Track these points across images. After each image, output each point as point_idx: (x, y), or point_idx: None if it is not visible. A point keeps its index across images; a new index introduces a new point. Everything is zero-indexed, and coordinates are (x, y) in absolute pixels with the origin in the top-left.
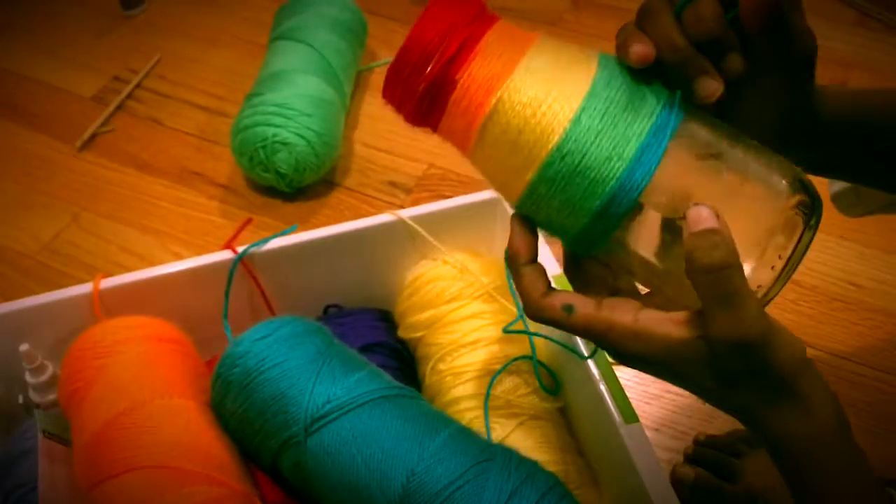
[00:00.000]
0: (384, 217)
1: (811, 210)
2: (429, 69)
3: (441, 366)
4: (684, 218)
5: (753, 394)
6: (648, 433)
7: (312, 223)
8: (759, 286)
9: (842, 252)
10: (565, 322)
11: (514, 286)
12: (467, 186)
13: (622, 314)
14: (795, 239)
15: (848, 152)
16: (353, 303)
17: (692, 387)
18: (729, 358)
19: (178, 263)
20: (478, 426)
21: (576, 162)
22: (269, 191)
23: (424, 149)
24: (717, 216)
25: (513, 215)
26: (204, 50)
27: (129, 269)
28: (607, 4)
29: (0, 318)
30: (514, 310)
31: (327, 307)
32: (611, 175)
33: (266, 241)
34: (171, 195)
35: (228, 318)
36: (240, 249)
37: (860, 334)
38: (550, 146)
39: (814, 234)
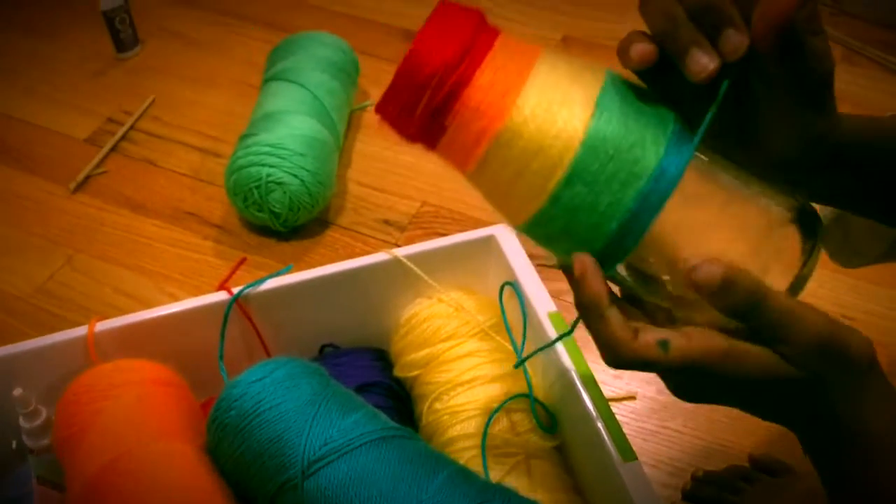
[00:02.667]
0: (379, 256)
1: (812, 237)
2: (433, 84)
3: (438, 405)
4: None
5: (835, 392)
6: (646, 470)
7: (307, 262)
8: None
9: (835, 285)
10: (663, 361)
11: (595, 334)
12: (461, 224)
13: (711, 339)
14: (797, 267)
15: (861, 179)
16: (349, 342)
17: (778, 405)
18: (812, 361)
19: (173, 305)
20: (475, 466)
21: (600, 168)
22: (264, 230)
23: (418, 187)
24: (719, 262)
25: (580, 256)
26: (197, 91)
27: (123, 311)
28: (597, 43)
29: None
30: (510, 347)
31: (323, 347)
32: (643, 171)
33: (261, 281)
34: (165, 236)
35: (224, 359)
36: (235, 290)
37: None
38: (572, 156)
39: (817, 258)
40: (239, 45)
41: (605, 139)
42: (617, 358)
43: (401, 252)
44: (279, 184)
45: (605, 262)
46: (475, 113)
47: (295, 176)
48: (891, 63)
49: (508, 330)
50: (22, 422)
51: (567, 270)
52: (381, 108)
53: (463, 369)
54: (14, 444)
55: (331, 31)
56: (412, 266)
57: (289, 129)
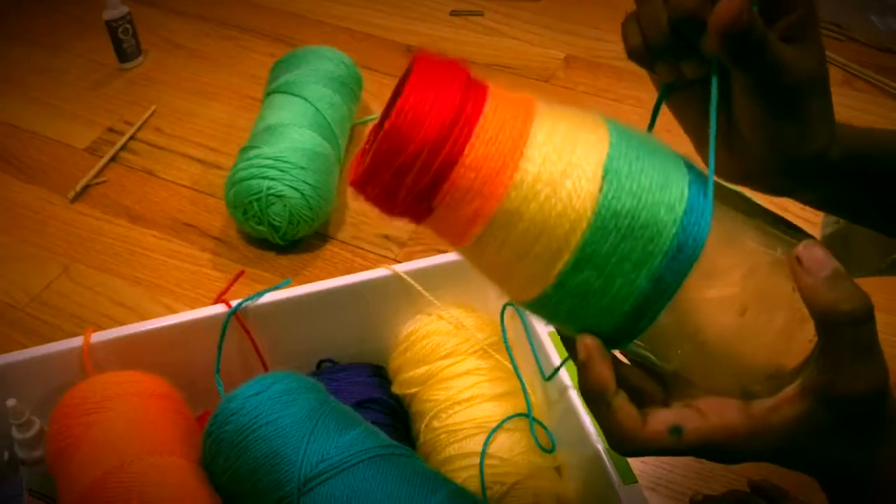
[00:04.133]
0: (379, 271)
1: None
2: (418, 166)
3: (436, 423)
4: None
5: (870, 441)
6: (644, 493)
7: (305, 276)
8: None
9: None
10: (676, 447)
11: (601, 422)
12: None
13: (730, 415)
14: None
15: (856, 189)
16: (347, 357)
17: (800, 458)
18: (859, 412)
19: (171, 318)
20: (473, 485)
21: (611, 249)
22: (263, 243)
23: None
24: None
25: (585, 339)
26: (199, 103)
27: (119, 322)
28: (598, 63)
29: None
30: (510, 366)
31: (321, 362)
32: (658, 249)
33: (260, 294)
34: (163, 247)
35: (221, 372)
36: (233, 303)
37: None
38: (579, 237)
39: None
40: (241, 58)
41: (615, 215)
42: (624, 448)
43: (401, 268)
44: (279, 197)
45: (615, 341)
46: (467, 194)
47: (295, 189)
48: (892, 87)
49: (508, 349)
50: (15, 433)
51: (571, 347)
52: (359, 187)
53: (462, 387)
54: (6, 456)
55: (334, 46)
56: (412, 282)
57: (290, 143)
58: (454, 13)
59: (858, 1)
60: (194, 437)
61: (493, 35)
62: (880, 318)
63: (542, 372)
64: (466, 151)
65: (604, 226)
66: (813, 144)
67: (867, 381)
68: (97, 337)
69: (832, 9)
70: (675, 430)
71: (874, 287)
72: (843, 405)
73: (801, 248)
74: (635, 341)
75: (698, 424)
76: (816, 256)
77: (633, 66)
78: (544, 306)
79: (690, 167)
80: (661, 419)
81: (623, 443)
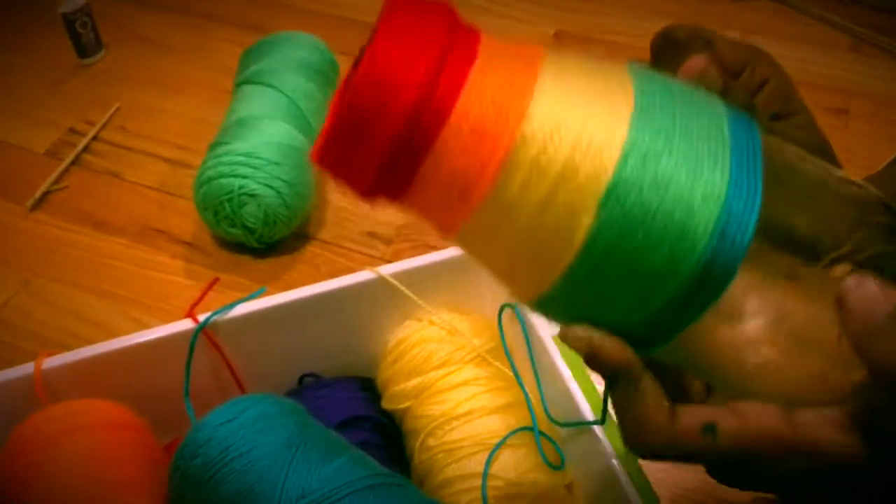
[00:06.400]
0: (362, 275)
1: None
2: (401, 115)
3: (431, 441)
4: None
5: None
6: None
7: (286, 281)
8: None
9: None
10: (710, 450)
11: (622, 412)
12: None
13: (772, 417)
14: None
15: None
16: (332, 371)
17: (842, 496)
18: None
19: (132, 337)
20: None
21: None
22: (238, 247)
23: None
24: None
25: (575, 330)
26: (166, 98)
27: (85, 339)
28: (590, 38)
29: None
30: (510, 374)
31: (303, 376)
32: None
33: (231, 307)
34: (130, 255)
35: (192, 395)
36: (201, 318)
37: None
38: (605, 182)
39: None
40: (210, 48)
41: (653, 139)
42: (647, 444)
43: (386, 270)
44: (253, 196)
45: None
46: (468, 138)
47: (270, 187)
48: None
49: (508, 355)
50: None
51: (572, 340)
52: (321, 157)
53: (459, 400)
54: None
55: (307, 31)
56: (399, 285)
57: (263, 137)
58: None
59: None
60: (161, 472)
61: (479, 14)
62: None
63: (537, 379)
64: (464, 88)
65: (639, 148)
66: None
67: None
68: (50, 362)
69: None
70: (709, 429)
71: None
72: None
73: (850, 285)
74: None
75: (735, 426)
76: (867, 296)
77: (628, 41)
78: (570, 289)
79: (731, 122)
80: (695, 414)
81: (646, 437)
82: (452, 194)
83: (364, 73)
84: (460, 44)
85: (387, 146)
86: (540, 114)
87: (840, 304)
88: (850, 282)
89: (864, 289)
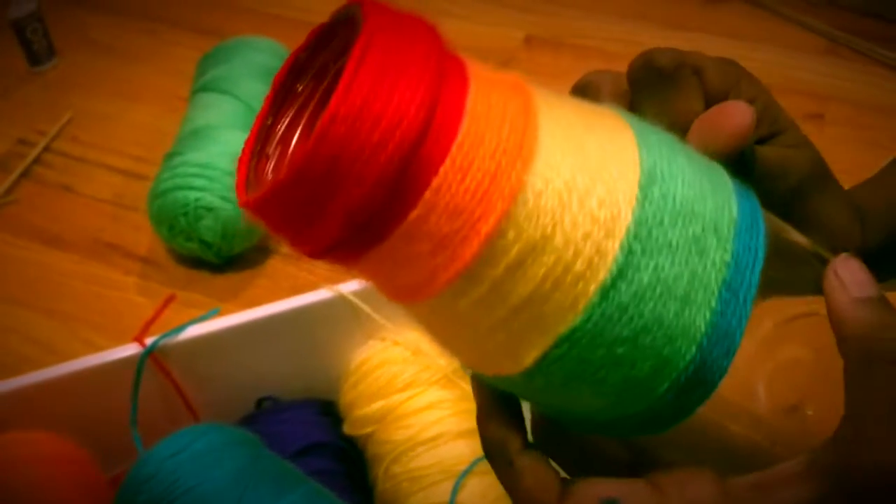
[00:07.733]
0: (322, 293)
1: None
2: (393, 155)
3: (396, 468)
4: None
5: None
6: None
7: (247, 297)
8: None
9: None
10: None
11: (505, 488)
12: None
13: (698, 491)
14: None
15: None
16: (291, 394)
17: None
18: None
19: (76, 363)
20: None
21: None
22: (196, 262)
23: None
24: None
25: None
26: (121, 106)
27: (33, 361)
28: (561, 42)
29: None
30: None
31: (261, 400)
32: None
33: (181, 328)
34: (82, 272)
35: (142, 422)
36: (149, 341)
37: None
38: (609, 267)
39: None
40: (166, 55)
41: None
42: None
43: (347, 288)
44: (209, 209)
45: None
46: (455, 198)
47: (227, 199)
48: (878, 54)
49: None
50: None
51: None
52: (262, 206)
53: (424, 424)
54: None
55: (267, 36)
56: (360, 304)
57: (220, 147)
58: None
59: None
60: None
61: (446, 16)
62: None
63: None
64: (453, 151)
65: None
66: (831, 223)
67: None
68: None
69: None
70: None
71: None
72: (871, 488)
73: (840, 261)
74: None
75: (645, 497)
76: (856, 275)
77: (599, 44)
78: (570, 348)
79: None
80: (593, 490)
81: None
82: (435, 255)
83: (342, 106)
84: (451, 72)
85: (367, 193)
86: (542, 176)
87: (833, 274)
88: (842, 258)
89: (852, 263)
